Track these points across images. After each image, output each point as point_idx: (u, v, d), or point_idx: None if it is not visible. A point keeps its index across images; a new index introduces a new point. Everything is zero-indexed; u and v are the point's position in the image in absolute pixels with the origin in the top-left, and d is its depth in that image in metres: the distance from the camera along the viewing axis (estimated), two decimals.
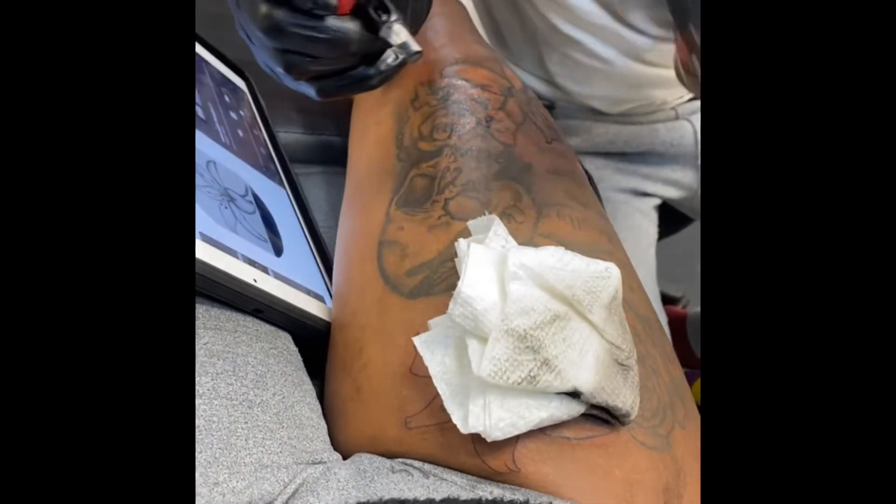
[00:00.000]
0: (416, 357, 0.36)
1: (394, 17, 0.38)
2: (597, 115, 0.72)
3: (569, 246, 0.35)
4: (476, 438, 0.33)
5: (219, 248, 0.39)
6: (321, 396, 0.41)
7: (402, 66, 0.39)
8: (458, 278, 0.32)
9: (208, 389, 0.34)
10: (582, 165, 0.47)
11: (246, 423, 0.34)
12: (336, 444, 0.38)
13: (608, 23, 0.63)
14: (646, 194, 0.73)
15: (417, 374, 0.36)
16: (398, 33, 0.38)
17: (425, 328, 0.35)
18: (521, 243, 0.35)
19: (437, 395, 0.32)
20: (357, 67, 0.39)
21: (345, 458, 0.36)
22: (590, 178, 0.51)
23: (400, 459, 0.35)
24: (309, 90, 0.41)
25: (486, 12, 0.73)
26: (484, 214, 0.36)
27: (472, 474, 0.34)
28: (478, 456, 0.34)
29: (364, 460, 0.35)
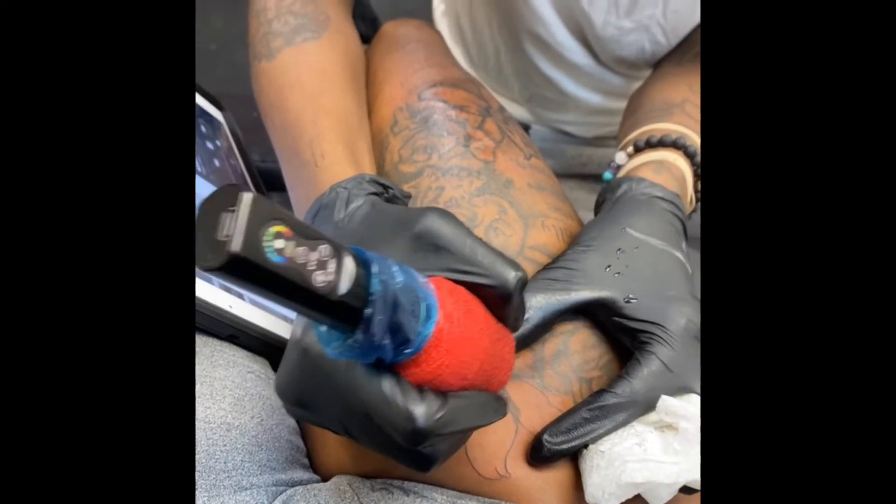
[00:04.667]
0: None
1: None
2: (570, 138, 0.74)
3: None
4: (467, 445, 0.34)
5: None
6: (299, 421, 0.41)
7: None
8: None
9: None
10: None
11: (224, 445, 0.34)
12: (318, 465, 0.38)
13: (586, 62, 0.64)
14: None
15: None
16: None
17: None
18: (511, 255, 0.36)
19: None
20: None
21: (327, 478, 0.36)
22: None
23: (381, 479, 0.35)
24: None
25: (462, 39, 0.75)
26: (470, 229, 0.37)
27: (460, 482, 0.34)
28: (468, 462, 0.34)
29: (343, 481, 0.35)
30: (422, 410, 0.26)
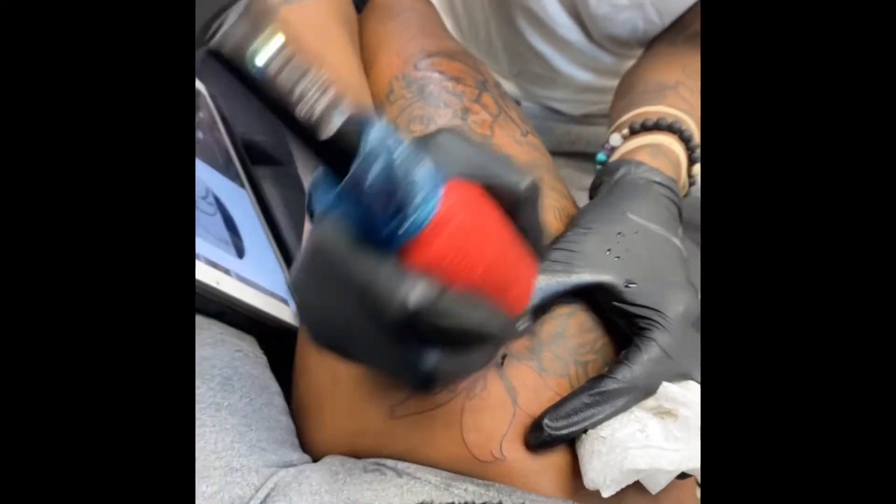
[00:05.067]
0: None
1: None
2: (558, 115, 0.73)
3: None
4: (464, 426, 0.33)
5: None
6: (289, 400, 0.41)
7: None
8: None
9: None
10: None
11: (214, 426, 0.33)
12: (310, 443, 0.38)
13: (578, 39, 0.63)
14: None
15: None
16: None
17: None
18: None
19: None
20: None
21: (318, 458, 0.36)
22: None
23: (373, 459, 0.34)
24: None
25: (454, 12, 0.74)
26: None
27: (453, 464, 0.33)
28: (463, 444, 0.33)
29: (336, 462, 0.34)
30: (416, 291, 0.24)
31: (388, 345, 0.26)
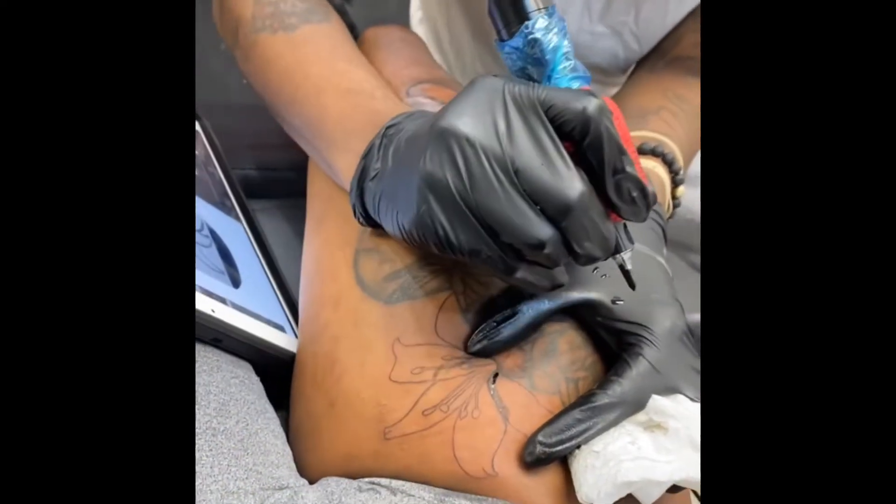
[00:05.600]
0: (396, 364, 0.36)
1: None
2: None
3: None
4: (456, 444, 0.34)
5: None
6: (285, 426, 0.41)
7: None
8: (441, 282, 0.38)
9: None
10: None
11: (210, 450, 0.34)
12: (306, 467, 0.38)
13: None
14: None
15: (397, 381, 0.36)
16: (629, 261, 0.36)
17: (405, 333, 0.36)
18: None
19: (419, 401, 0.34)
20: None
21: (313, 481, 0.36)
22: None
23: (367, 479, 0.35)
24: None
25: (440, 47, 0.75)
26: None
27: (447, 481, 0.34)
28: (455, 462, 0.34)
29: (331, 483, 0.35)
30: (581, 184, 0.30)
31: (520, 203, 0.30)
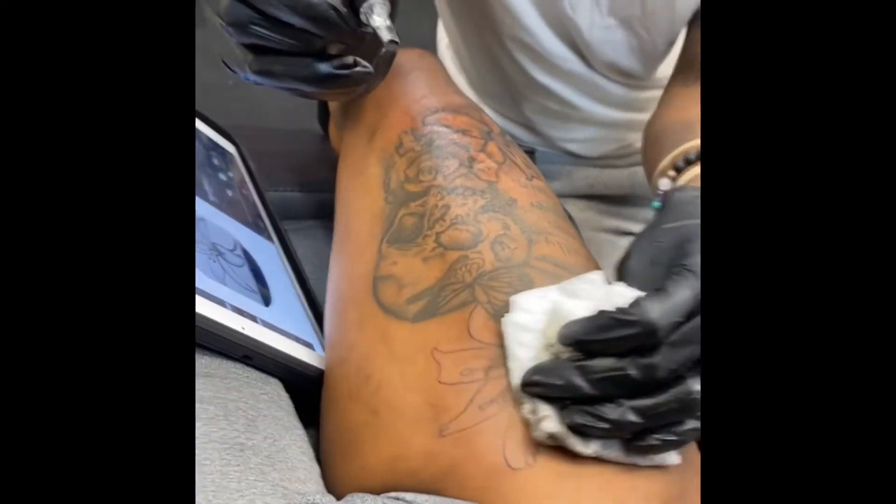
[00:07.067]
0: (441, 369, 0.37)
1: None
2: (576, 159, 0.75)
3: (562, 269, 0.39)
4: (507, 435, 0.34)
5: (207, 298, 0.40)
6: (314, 445, 0.42)
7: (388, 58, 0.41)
8: (465, 297, 0.38)
9: (200, 434, 0.35)
10: (563, 208, 0.49)
11: (238, 465, 0.34)
12: (343, 477, 0.39)
13: (581, 69, 0.66)
14: (629, 233, 0.75)
15: (448, 383, 0.36)
16: (380, 15, 0.38)
17: (440, 342, 0.37)
18: (516, 266, 0.39)
19: (475, 397, 0.35)
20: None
21: (340, 496, 0.36)
22: (570, 219, 0.53)
23: (392, 494, 0.35)
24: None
25: (463, 66, 0.77)
26: (476, 244, 0.40)
27: (486, 479, 0.34)
28: (501, 452, 0.34)
29: (356, 499, 0.35)
30: None
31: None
